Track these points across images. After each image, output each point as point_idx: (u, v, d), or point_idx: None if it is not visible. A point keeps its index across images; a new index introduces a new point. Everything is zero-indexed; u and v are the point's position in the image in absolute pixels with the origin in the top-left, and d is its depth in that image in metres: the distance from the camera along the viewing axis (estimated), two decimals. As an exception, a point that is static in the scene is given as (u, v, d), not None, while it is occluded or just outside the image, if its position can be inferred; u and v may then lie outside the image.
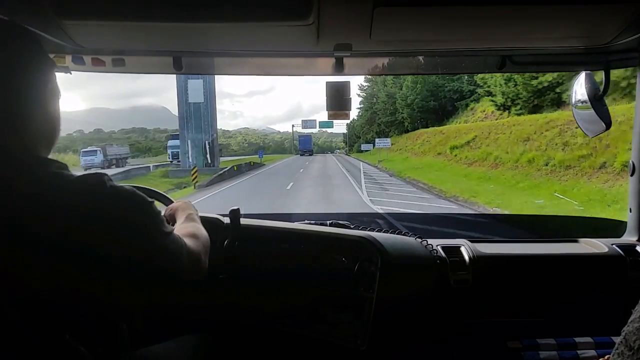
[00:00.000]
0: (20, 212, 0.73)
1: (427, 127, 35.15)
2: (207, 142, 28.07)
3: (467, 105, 32.24)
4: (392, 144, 35.73)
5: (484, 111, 27.82)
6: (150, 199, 0.87)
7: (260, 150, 49.69)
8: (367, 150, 44.03)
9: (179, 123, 29.24)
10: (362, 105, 56.06)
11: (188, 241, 0.95)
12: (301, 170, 26.73)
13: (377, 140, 35.27)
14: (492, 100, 24.24)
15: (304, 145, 54.53)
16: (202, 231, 1.08)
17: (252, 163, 30.95)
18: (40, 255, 0.73)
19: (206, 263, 0.99)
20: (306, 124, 57.63)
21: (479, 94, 28.67)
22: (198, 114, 28.44)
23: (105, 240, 0.77)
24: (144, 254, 0.83)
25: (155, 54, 1.40)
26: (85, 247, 0.75)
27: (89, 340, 0.82)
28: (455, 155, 22.06)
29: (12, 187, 0.74)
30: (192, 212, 1.20)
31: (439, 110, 36.17)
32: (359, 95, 54.23)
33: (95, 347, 0.82)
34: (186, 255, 0.90)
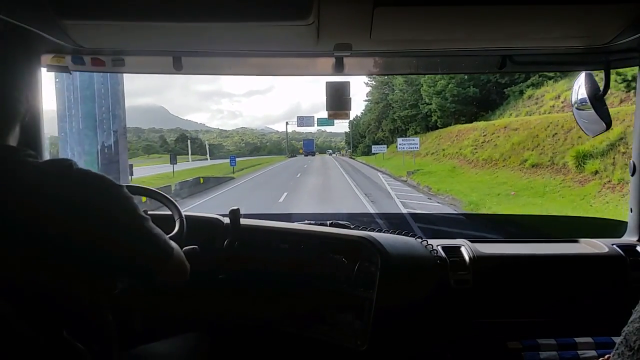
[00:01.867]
0: None
1: (461, 122, 26.17)
2: (105, 145, 13.23)
3: (521, 93, 23.63)
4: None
5: (559, 97, 19.20)
6: (119, 184, 0.85)
7: (232, 155, 38.13)
8: (378, 153, 32.84)
9: (57, 111, 12.62)
10: (370, 97, 45.92)
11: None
12: (284, 196, 13.72)
13: (400, 140, 24.35)
14: (618, 73, 12.60)
15: (307, 148, 64.95)
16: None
17: (201, 180, 17.38)
18: (12, 245, 0.73)
19: (188, 268, 0.96)
20: (302, 121, 51.64)
21: (546, 76, 21.03)
22: (89, 94, 12.91)
23: (74, 224, 0.76)
24: (122, 231, 0.80)
25: (155, 54, 1.40)
26: (56, 232, 0.74)
27: (86, 337, 0.81)
28: (607, 177, 10.84)
29: None
30: None
31: (480, 100, 27.09)
32: (367, 84, 44.39)
33: (92, 344, 0.82)
34: (173, 245, 0.88)
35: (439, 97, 27.94)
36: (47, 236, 0.74)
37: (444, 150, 23.63)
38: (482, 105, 26.97)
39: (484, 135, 20.42)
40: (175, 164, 23.64)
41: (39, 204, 0.74)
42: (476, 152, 19.62)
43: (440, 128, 27.99)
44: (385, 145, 33.68)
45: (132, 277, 0.92)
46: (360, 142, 52.58)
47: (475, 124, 23.60)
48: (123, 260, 0.83)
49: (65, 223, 0.75)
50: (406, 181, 18.03)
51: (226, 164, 31.51)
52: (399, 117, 35.00)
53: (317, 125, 52.15)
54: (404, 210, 10.81)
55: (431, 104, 29.01)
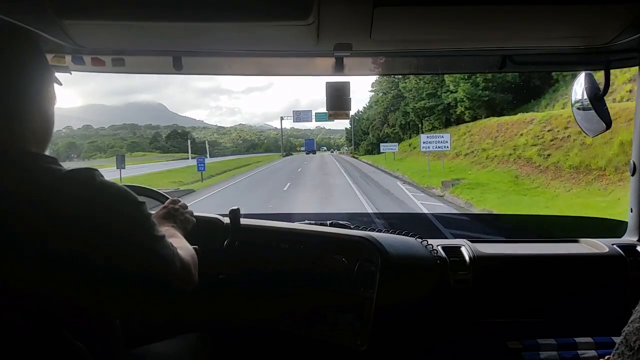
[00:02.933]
0: (9, 208, 0.72)
1: (492, 113, 21.16)
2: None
3: (575, 77, 13.75)
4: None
5: (632, 81, 12.07)
6: (141, 200, 0.84)
7: (200, 157, 26.91)
8: (387, 152, 26.88)
9: None
10: (377, 87, 41.60)
11: (179, 251, 0.91)
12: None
13: (424, 137, 18.77)
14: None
15: (309, 147, 70.25)
16: (186, 244, 1.04)
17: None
18: (28, 252, 0.73)
19: (196, 276, 0.95)
20: (299, 116, 44.12)
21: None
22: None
23: (93, 236, 0.75)
24: (133, 252, 0.80)
25: (155, 54, 1.40)
26: (74, 243, 0.74)
27: (87, 337, 0.81)
28: None
29: (2, 183, 0.74)
30: (169, 227, 1.12)
31: (520, 86, 22.41)
32: (372, 72, 40.37)
33: (93, 344, 0.82)
34: (179, 262, 0.88)
35: (468, 83, 22.38)
36: (61, 245, 0.74)
37: (484, 150, 17.62)
38: (520, 92, 21.83)
39: (550, 131, 14.61)
40: (123, 168, 19.46)
41: (57, 213, 0.74)
42: (549, 155, 13.78)
43: (469, 121, 21.96)
44: (397, 143, 27.97)
45: (136, 290, 0.92)
46: (363, 139, 47.87)
47: (523, 115, 17.87)
48: (128, 275, 0.82)
49: (80, 233, 0.75)
50: (443, 196, 12.39)
51: (211, 165, 25.20)
52: (412, 110, 29.03)
53: (316, 121, 44.15)
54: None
55: (457, 91, 23.27)
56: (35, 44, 0.88)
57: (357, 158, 39.99)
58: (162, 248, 0.85)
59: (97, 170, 0.80)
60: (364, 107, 52.77)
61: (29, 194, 0.74)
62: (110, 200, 0.80)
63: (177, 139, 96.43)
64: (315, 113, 40.81)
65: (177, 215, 1.20)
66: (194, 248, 1.03)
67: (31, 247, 0.72)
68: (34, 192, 0.74)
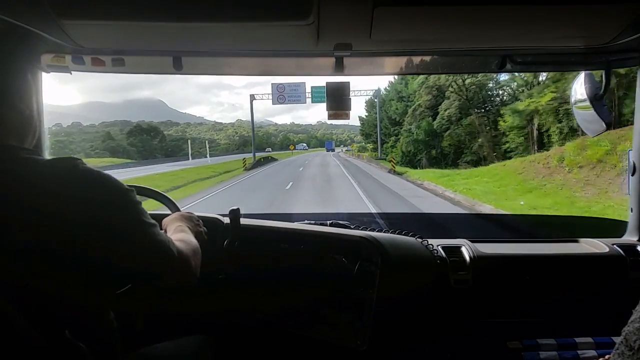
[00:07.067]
0: None
1: None
2: None
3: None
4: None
5: None
6: (128, 187, 0.83)
7: None
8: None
9: None
10: None
11: (176, 243, 0.90)
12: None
13: None
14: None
15: (328, 146, 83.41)
16: (192, 239, 1.02)
17: None
18: (14, 245, 0.72)
19: (197, 270, 0.94)
20: (282, 93, 27.67)
21: None
22: None
23: (76, 227, 0.74)
24: (124, 239, 0.79)
25: (155, 54, 1.40)
26: (57, 234, 0.73)
27: (88, 337, 0.81)
28: None
29: None
30: (182, 225, 1.13)
31: None
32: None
33: (94, 344, 0.82)
34: (176, 250, 0.86)
35: None
36: (49, 237, 0.73)
37: None
38: None
39: None
40: None
41: (41, 205, 0.73)
42: None
43: None
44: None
45: (131, 282, 0.92)
46: (391, 133, 28.03)
47: None
48: (122, 266, 0.82)
49: (67, 225, 0.74)
50: None
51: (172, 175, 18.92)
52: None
53: (312, 101, 26.78)
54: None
55: None
56: (19, 42, 0.88)
57: (400, 175, 18.53)
58: (156, 235, 0.84)
59: (79, 159, 0.79)
60: (391, 82, 31.29)
61: (11, 183, 0.73)
62: (96, 183, 0.79)
63: (142, 136, 72.41)
64: (312, 87, 26.86)
65: (193, 221, 1.20)
66: None
67: (19, 236, 0.72)
68: (16, 181, 0.74)
